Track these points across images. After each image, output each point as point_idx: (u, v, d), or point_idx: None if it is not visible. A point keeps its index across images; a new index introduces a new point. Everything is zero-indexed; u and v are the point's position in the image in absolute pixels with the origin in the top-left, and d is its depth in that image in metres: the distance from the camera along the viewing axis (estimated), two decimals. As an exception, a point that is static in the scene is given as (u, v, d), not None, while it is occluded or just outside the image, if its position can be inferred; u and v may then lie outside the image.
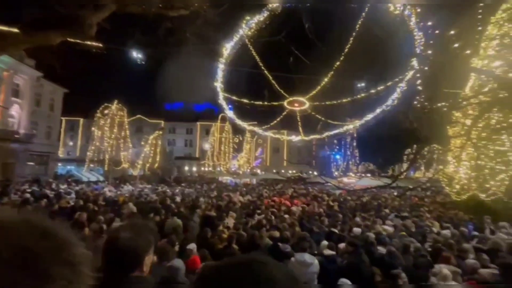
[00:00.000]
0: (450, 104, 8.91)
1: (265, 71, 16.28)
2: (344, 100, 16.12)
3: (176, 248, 4.20)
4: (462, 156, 10.75)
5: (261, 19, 12.63)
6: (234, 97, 17.56)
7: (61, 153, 40.00)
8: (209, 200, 10.55)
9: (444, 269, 3.34)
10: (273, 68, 16.19)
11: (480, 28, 9.55)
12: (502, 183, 9.60)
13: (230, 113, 18.99)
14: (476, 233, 6.85)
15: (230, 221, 6.74)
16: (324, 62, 14.03)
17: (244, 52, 14.37)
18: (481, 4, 8.88)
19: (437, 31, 5.35)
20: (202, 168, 39.14)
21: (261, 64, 15.81)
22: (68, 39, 7.50)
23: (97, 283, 0.52)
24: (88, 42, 8.38)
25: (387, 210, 10.54)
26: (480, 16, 9.32)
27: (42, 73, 25.12)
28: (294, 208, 9.63)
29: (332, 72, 14.18)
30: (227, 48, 14.99)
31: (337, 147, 46.38)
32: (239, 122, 19.06)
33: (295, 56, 12.57)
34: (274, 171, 41.38)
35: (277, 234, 5.40)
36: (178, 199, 10.89)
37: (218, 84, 16.34)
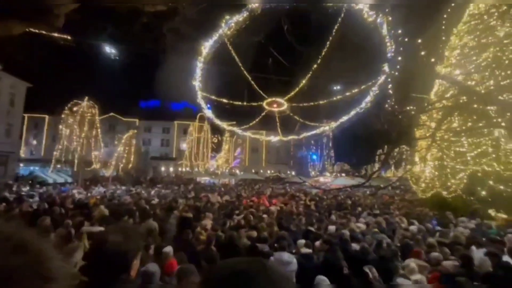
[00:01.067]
0: (417, 108, 9.53)
1: (244, 72, 16.31)
2: (321, 102, 16.60)
3: (152, 251, 4.06)
4: (428, 157, 11.54)
5: (241, 19, 12.62)
6: (213, 97, 17.37)
7: (23, 153, 36.94)
8: (186, 201, 10.32)
9: (412, 263, 3.57)
10: (253, 68, 16.25)
11: (444, 38, 10.33)
12: (461, 181, 10.44)
13: (208, 113, 18.73)
14: (439, 228, 7.39)
15: (208, 222, 6.64)
16: (302, 64, 14.35)
17: (224, 51, 14.27)
18: (445, 16, 9.62)
19: (406, 39, 5.70)
20: (180, 169, 38.20)
21: (240, 64, 15.80)
22: (32, 30, 6.95)
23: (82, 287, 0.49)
24: (55, 34, 7.83)
25: (360, 208, 11.02)
26: (444, 27, 10.09)
27: (0, 65, 23.01)
28: (272, 208, 9.73)
29: (309, 75, 14.55)
30: (206, 47, 14.79)
31: (314, 148, 47.58)
32: (217, 122, 18.87)
33: (274, 58, 12.72)
34: (253, 171, 41.52)
35: (254, 234, 5.42)
36: (154, 201, 10.53)
37: (197, 83, 16.05)
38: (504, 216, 9.37)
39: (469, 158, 10.05)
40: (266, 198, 13.89)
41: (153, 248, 4.15)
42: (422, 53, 5.79)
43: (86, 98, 28.10)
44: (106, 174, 28.14)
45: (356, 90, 13.08)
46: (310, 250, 4.49)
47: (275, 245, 4.65)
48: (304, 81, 15.26)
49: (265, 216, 7.88)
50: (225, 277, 0.50)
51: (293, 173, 43.58)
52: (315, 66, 13.85)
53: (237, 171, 38.38)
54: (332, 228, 6.36)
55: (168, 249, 3.98)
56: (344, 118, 14.62)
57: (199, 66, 15.44)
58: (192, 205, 9.40)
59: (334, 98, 15.07)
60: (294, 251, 4.62)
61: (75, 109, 27.67)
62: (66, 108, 27.80)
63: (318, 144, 46.87)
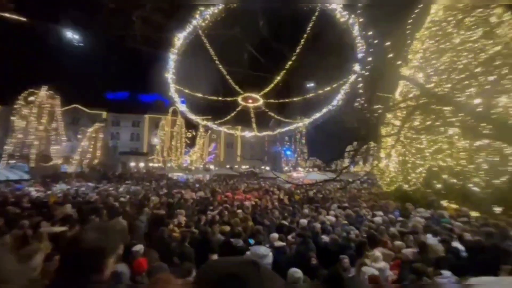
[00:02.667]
0: (384, 107, 10.14)
1: (219, 66, 16.04)
2: (295, 99, 16.92)
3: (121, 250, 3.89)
4: (392, 153, 12.38)
5: (216, 11, 12.34)
6: (186, 90, 16.88)
7: (-32, 147, 32.97)
8: (160, 199, 10.00)
9: (377, 251, 3.83)
10: (228, 63, 16.04)
11: (408, 41, 11.05)
12: (420, 175, 11.37)
13: (182, 107, 18.22)
14: (401, 218, 8.00)
15: (181, 219, 6.51)
16: (278, 61, 14.47)
17: (198, 44, 13.89)
18: (410, 21, 10.27)
19: (376, 41, 6.01)
20: (151, 164, 36.76)
21: (215, 58, 15.50)
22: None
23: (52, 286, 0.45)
24: (7, 14, 7.01)
25: (331, 202, 11.53)
26: (408, 32, 10.78)
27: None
28: (247, 203, 9.80)
29: (284, 71, 14.73)
30: (179, 38, 14.28)
31: (288, 143, 48.57)
32: (192, 116, 18.44)
33: (250, 53, 12.66)
34: (228, 166, 41.33)
35: (227, 229, 5.43)
36: (123, 198, 10.04)
37: (170, 76, 15.49)
38: (455, 206, 10.42)
39: (427, 154, 10.96)
40: (241, 193, 13.95)
41: (122, 247, 3.97)
42: (390, 55, 6.15)
43: (45, 87, 25.73)
44: (68, 170, 26.17)
45: (328, 88, 13.54)
46: (283, 243, 4.61)
47: (251, 239, 4.71)
48: (278, 78, 15.42)
49: (239, 211, 7.93)
50: (217, 280, 0.49)
51: (267, 168, 44.18)
52: (289, 62, 14.04)
53: (212, 167, 37.95)
54: (304, 221, 6.58)
55: (138, 247, 3.85)
56: (317, 115, 15.13)
57: (172, 58, 14.89)
58: (164, 202, 9.13)
59: (308, 96, 15.47)
60: (268, 245, 4.72)
61: (31, 99, 25.22)
62: (21, 97, 25.23)
63: (291, 140, 47.91)
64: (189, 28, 13.55)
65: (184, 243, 4.25)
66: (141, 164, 37.49)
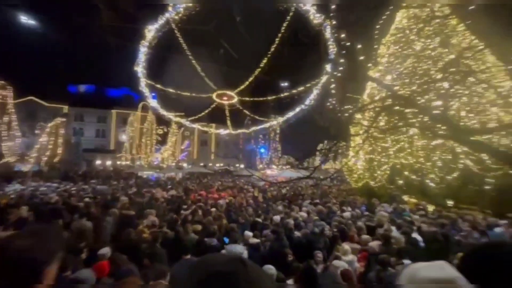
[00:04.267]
0: (354, 107, 10.65)
1: (193, 61, 15.64)
2: (269, 98, 17.08)
3: (85, 255, 3.65)
4: (360, 152, 13.08)
5: (190, 4, 11.98)
6: (158, 85, 16.23)
7: None
8: (129, 199, 9.53)
9: (346, 245, 4.04)
10: (203, 58, 15.70)
11: (376, 46, 11.70)
12: (385, 173, 12.17)
13: (153, 102, 17.50)
14: (367, 213, 8.50)
15: (151, 219, 6.27)
16: (253, 58, 14.49)
17: (171, 38, 13.39)
18: (378, 26, 10.88)
19: (348, 44, 6.28)
20: (118, 162, 34.84)
21: (189, 52, 15.08)
22: None
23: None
24: None
25: (303, 198, 11.88)
26: (376, 36, 11.42)
27: None
28: (221, 201, 9.73)
29: (259, 69, 14.79)
30: (151, 30, 13.66)
31: (262, 141, 49.01)
32: (163, 112, 17.78)
33: (226, 49, 12.52)
34: (202, 164, 40.59)
35: (199, 228, 5.35)
36: (87, 198, 9.39)
37: (140, 69, 14.77)
38: (414, 200, 11.33)
39: (391, 152, 11.76)
40: (215, 191, 13.80)
41: (87, 251, 3.73)
42: (361, 57, 6.46)
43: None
44: (23, 169, 23.82)
45: (302, 88, 13.88)
46: (257, 240, 4.66)
47: (226, 238, 4.69)
48: (253, 75, 15.45)
49: (213, 209, 7.84)
50: (205, 279, 0.47)
51: (242, 166, 44.21)
52: (264, 61, 14.13)
53: (185, 165, 36.99)
54: (277, 218, 6.69)
55: (104, 250, 3.64)
56: (290, 114, 15.44)
57: (143, 50, 14.21)
58: (134, 201, 8.72)
59: (282, 95, 15.72)
60: (242, 242, 4.73)
61: (-23, 89, 22.49)
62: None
63: (266, 138, 48.41)
64: (161, 21, 13.02)
65: (155, 244, 4.10)
66: (108, 162, 35.35)
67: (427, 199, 10.62)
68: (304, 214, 7.50)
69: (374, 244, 4.35)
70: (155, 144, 36.00)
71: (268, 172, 33.80)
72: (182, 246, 4.24)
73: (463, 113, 9.97)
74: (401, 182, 11.52)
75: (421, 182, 10.82)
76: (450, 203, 10.29)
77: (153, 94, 17.57)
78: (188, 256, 3.71)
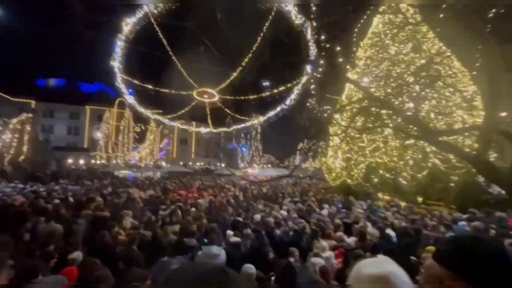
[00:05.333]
0: (332, 108, 10.97)
1: (173, 57, 15.26)
2: (251, 97, 17.10)
3: (54, 260, 3.44)
4: (338, 151, 13.49)
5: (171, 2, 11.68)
6: (135, 81, 15.65)
7: None
8: (105, 200, 9.11)
9: (323, 242, 4.16)
10: (183, 55, 15.36)
11: (354, 49, 12.11)
12: (361, 171, 12.65)
13: (130, 99, 16.85)
14: (344, 210, 8.79)
15: (128, 221, 6.04)
16: (235, 57, 14.41)
17: (151, 33, 12.96)
18: (356, 30, 11.27)
19: (328, 45, 6.45)
20: (93, 161, 33.17)
21: (168, 48, 14.69)
22: None
23: None
24: None
25: (283, 197, 12.03)
26: (354, 39, 11.82)
27: None
28: (201, 201, 9.60)
29: (241, 68, 14.75)
30: (128, 24, 13.13)
31: (244, 140, 48.96)
32: (141, 109, 17.19)
33: (207, 47, 12.34)
34: (181, 163, 39.73)
35: (176, 229, 5.25)
36: (57, 199, 8.83)
37: (116, 64, 14.16)
38: (388, 197, 11.90)
39: (367, 152, 12.24)
40: (196, 191, 13.59)
41: (57, 255, 3.52)
42: (340, 59, 6.67)
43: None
44: (-17, 168, 21.92)
45: (283, 88, 14.04)
46: (238, 239, 4.65)
47: (206, 238, 4.63)
48: (235, 74, 15.39)
49: (193, 209, 7.71)
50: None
51: (223, 165, 43.87)
52: (246, 59, 14.11)
53: (164, 164, 35.99)
54: (257, 216, 6.73)
55: (75, 255, 3.46)
56: (271, 113, 15.56)
57: (120, 44, 13.62)
58: (109, 202, 8.35)
59: (263, 94, 15.80)
60: (223, 242, 4.71)
61: None
62: None
63: (247, 136, 48.40)
64: (139, 14, 12.55)
65: (131, 246, 3.96)
66: (81, 161, 33.51)
67: (399, 196, 11.20)
68: (285, 213, 7.60)
69: (351, 240, 4.52)
70: (132, 143, 34.67)
71: (249, 171, 33.85)
72: (160, 248, 4.13)
73: (432, 115, 10.63)
74: (376, 180, 12.03)
75: (394, 180, 11.38)
76: (420, 199, 10.93)
77: (130, 90, 16.93)
78: (165, 258, 3.62)
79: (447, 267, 0.80)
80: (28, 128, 27.09)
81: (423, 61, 10.73)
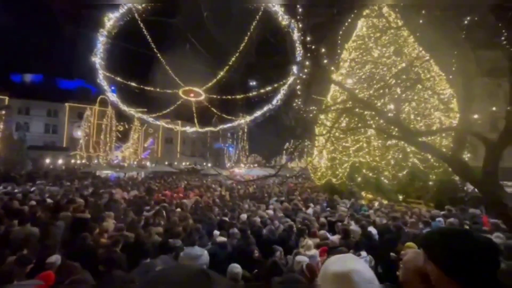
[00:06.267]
0: (318, 108, 11.14)
1: (158, 54, 14.94)
2: (238, 97, 17.05)
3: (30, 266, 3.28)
4: (323, 151, 13.73)
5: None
6: (118, 78, 15.18)
7: None
8: (83, 199, 8.78)
9: (309, 240, 4.22)
10: (169, 53, 15.07)
11: (339, 51, 12.36)
12: (345, 170, 12.95)
13: (113, 96, 16.34)
14: (329, 209, 8.97)
15: (110, 222, 5.86)
16: (222, 56, 14.31)
17: (135, 29, 12.61)
18: (341, 32, 11.51)
19: (313, 47, 6.54)
20: (73, 161, 31.87)
21: (153, 45, 14.36)
22: None
23: None
24: None
25: (270, 196, 12.11)
26: (339, 42, 12.07)
27: None
28: (186, 201, 9.47)
29: (228, 67, 14.66)
30: (111, 19, 12.72)
31: (230, 140, 48.75)
32: (124, 107, 16.71)
33: (193, 45, 12.18)
34: (166, 163, 38.99)
35: (160, 230, 5.16)
36: (33, 201, 8.42)
37: (98, 60, 13.69)
38: (370, 196, 12.26)
39: (351, 152, 12.55)
40: (182, 191, 13.39)
41: (34, 260, 3.36)
42: (325, 61, 6.79)
43: None
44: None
45: (269, 88, 14.11)
46: (224, 239, 4.64)
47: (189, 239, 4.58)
48: (222, 73, 15.28)
49: (178, 210, 7.60)
50: None
51: (209, 164, 43.50)
52: (233, 59, 14.05)
53: (148, 163, 35.18)
54: (244, 216, 6.73)
55: (53, 259, 3.31)
56: (258, 113, 15.60)
57: (102, 40, 13.17)
58: (90, 203, 8.06)
59: (250, 94, 15.80)
60: (210, 242, 4.68)
61: None
62: None
63: (234, 136, 48.23)
64: (122, 9, 12.20)
65: (114, 248, 3.84)
66: (60, 161, 32.10)
67: (382, 195, 11.57)
68: (271, 212, 7.65)
69: (335, 238, 4.62)
70: (115, 142, 33.64)
71: (236, 170, 33.77)
72: (144, 250, 4.04)
73: (412, 116, 11.07)
74: (359, 179, 12.37)
75: (377, 179, 11.75)
76: (400, 197, 11.35)
77: (113, 87, 16.43)
78: (148, 260, 3.54)
79: (439, 265, 0.83)
80: (0, 126, 25.63)
81: (404, 64, 11.13)
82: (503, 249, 3.30)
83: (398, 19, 11.78)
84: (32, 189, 12.39)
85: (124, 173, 26.03)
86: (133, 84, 15.22)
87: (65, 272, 3.00)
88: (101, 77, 14.17)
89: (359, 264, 0.89)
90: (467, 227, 5.89)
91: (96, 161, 31.36)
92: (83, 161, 31.29)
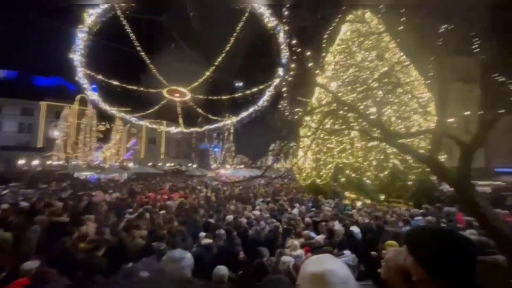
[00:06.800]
0: (303, 110, 11.32)
1: (142, 53, 14.59)
2: (223, 97, 16.98)
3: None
4: (308, 152, 13.96)
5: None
6: (100, 76, 14.68)
7: None
8: (62, 202, 8.40)
9: (295, 240, 4.28)
10: (154, 51, 14.75)
11: (324, 54, 12.62)
12: (329, 171, 13.22)
13: (93, 95, 15.78)
14: (313, 209, 9.11)
15: (90, 226, 5.64)
16: (208, 56, 14.20)
17: (119, 26, 12.24)
18: (326, 36, 11.76)
19: (299, 50, 6.63)
20: (49, 162, 30.37)
21: (137, 43, 14.01)
22: None
23: None
24: None
25: (255, 197, 12.13)
26: (324, 45, 12.33)
27: None
28: (170, 203, 9.30)
29: (214, 67, 14.57)
30: (92, 15, 12.29)
31: (216, 140, 48.37)
32: (105, 106, 16.18)
33: (179, 44, 12.01)
34: (150, 164, 38.05)
35: (144, 233, 5.04)
36: (5, 204, 7.94)
37: (77, 57, 13.17)
38: (354, 196, 12.59)
39: (335, 153, 12.84)
40: (167, 193, 13.13)
41: (7, 267, 3.18)
42: (310, 64, 6.90)
43: None
44: None
45: (256, 89, 14.17)
46: (210, 241, 4.60)
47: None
48: (208, 73, 15.16)
49: (162, 212, 7.45)
50: None
51: (195, 165, 42.91)
52: (219, 59, 13.98)
53: (131, 164, 34.16)
54: (230, 217, 6.70)
55: (29, 265, 3.14)
56: (244, 114, 15.62)
57: (81, 36, 12.70)
58: (68, 206, 7.73)
59: (236, 95, 15.78)
60: (195, 244, 4.62)
61: None
62: None
63: (219, 137, 47.90)
64: (103, 5, 11.82)
65: (95, 253, 3.70)
66: (35, 162, 30.47)
67: (364, 195, 11.92)
68: (257, 213, 7.66)
69: (319, 237, 4.71)
70: (95, 142, 32.40)
71: (222, 171, 33.53)
72: (126, 254, 3.93)
73: (393, 119, 11.49)
74: (343, 179, 12.67)
75: (359, 179, 12.09)
76: (382, 197, 11.74)
77: (94, 86, 15.86)
78: (130, 265, 3.44)
79: (421, 263, 0.86)
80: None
81: (385, 68, 11.54)
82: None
83: (380, 24, 12.21)
84: (4, 192, 11.69)
85: (105, 174, 25.12)
86: (116, 82, 14.78)
87: (39, 279, 2.85)
88: (81, 74, 13.64)
89: (334, 264, 0.90)
90: (443, 224, 6.19)
91: (74, 162, 30.06)
92: (61, 162, 29.90)
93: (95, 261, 3.58)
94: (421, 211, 7.72)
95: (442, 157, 9.07)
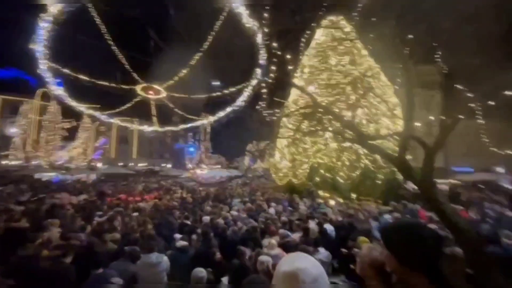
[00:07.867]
0: (280, 111, 11.51)
1: (113, 47, 13.88)
2: (200, 96, 16.71)
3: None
4: (285, 152, 14.22)
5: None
6: (65, 70, 13.70)
7: None
8: (21, 206, 7.71)
9: (272, 240, 4.34)
10: (127, 47, 14.09)
11: (301, 57, 12.95)
12: (305, 171, 13.57)
13: (58, 90, 14.67)
14: (290, 208, 9.30)
15: (54, 231, 5.24)
16: (185, 54, 13.88)
17: (89, 17, 11.52)
18: (303, 39, 12.08)
19: (278, 52, 6.75)
20: (4, 162, 27.67)
21: (108, 37, 13.30)
22: None
23: None
24: None
25: (232, 197, 12.08)
26: (301, 48, 12.65)
27: None
28: (143, 204, 8.95)
29: (191, 65, 14.28)
30: (56, 5, 11.44)
31: (192, 140, 47.36)
32: (72, 103, 15.12)
33: (155, 41, 11.61)
34: (121, 164, 36.21)
35: (117, 236, 4.82)
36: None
37: (40, 48, 12.19)
38: (328, 195, 13.05)
39: (310, 153, 13.22)
40: (139, 194, 12.60)
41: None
42: (290, 67, 7.05)
43: None
44: None
45: (234, 89, 14.13)
46: (186, 243, 4.50)
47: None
48: (184, 71, 14.83)
49: (135, 214, 7.15)
50: None
51: (169, 166, 41.63)
52: (196, 57, 13.75)
53: (100, 165, 32.24)
54: (206, 218, 6.60)
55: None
56: (221, 114, 15.50)
57: (45, 26, 11.76)
58: (29, 210, 7.12)
59: (214, 94, 15.62)
60: (170, 246, 4.50)
61: None
62: None
63: (195, 136, 46.97)
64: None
65: (61, 260, 3.45)
66: (-13, 162, 27.56)
67: (337, 193, 12.41)
68: (235, 213, 7.64)
69: (296, 236, 4.82)
70: (59, 140, 30.12)
71: (198, 171, 32.92)
72: (96, 259, 3.71)
73: (364, 121, 12.10)
74: (317, 179, 13.08)
75: (333, 178, 12.56)
76: (353, 196, 12.30)
77: (59, 80, 14.75)
78: (100, 270, 3.27)
79: (396, 255, 0.93)
80: None
81: (357, 74, 12.14)
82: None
83: (353, 31, 12.80)
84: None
85: (71, 175, 23.47)
86: (84, 77, 13.88)
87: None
88: (43, 67, 12.63)
89: (306, 263, 0.92)
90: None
91: (35, 162, 27.70)
92: (19, 162, 27.40)
93: (60, 268, 3.35)
94: (389, 208, 8.22)
95: (408, 158, 9.73)
